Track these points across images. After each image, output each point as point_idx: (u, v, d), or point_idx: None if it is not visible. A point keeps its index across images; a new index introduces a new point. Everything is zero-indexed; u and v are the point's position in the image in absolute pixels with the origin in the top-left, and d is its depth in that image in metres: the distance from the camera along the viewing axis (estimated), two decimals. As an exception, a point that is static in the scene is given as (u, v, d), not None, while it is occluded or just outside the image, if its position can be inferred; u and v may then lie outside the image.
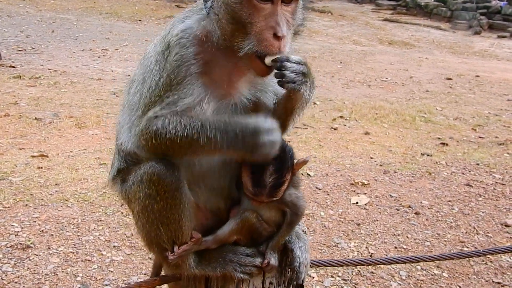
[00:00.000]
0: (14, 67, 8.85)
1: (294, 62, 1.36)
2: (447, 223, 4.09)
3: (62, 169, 4.54)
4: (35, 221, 3.56)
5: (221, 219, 1.51)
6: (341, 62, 11.97)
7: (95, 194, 4.09)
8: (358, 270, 3.31)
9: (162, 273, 1.77)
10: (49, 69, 8.96)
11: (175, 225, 1.41)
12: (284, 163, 1.40)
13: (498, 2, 18.65)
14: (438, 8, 18.84)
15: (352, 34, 15.65)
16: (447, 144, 6.46)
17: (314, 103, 8.24)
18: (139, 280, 1.79)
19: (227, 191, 1.51)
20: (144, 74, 1.47)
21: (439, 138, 6.77)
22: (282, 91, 1.50)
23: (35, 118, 6.00)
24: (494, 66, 12.77)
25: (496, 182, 5.04)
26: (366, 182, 4.80)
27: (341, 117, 7.48)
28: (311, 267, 1.52)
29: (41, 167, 4.51)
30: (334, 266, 1.79)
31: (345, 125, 7.11)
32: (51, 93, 7.31)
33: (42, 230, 3.46)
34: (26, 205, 3.80)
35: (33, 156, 4.78)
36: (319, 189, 4.63)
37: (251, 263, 1.44)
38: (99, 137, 5.75)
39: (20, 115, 6.08)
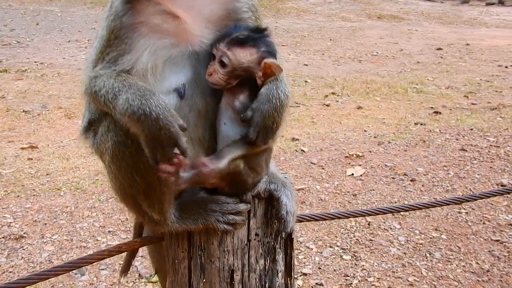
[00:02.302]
0: (-1, 61, 8.71)
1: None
2: (443, 188, 4.09)
3: (53, 159, 4.48)
4: (27, 212, 3.52)
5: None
6: (330, 40, 11.86)
7: (87, 181, 4.04)
8: (357, 239, 3.32)
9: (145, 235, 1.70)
10: (35, 62, 8.81)
11: (151, 172, 1.28)
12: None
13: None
14: (425, -21, 18.62)
15: (341, 11, 15.48)
16: (440, 113, 6.45)
17: (305, 81, 8.20)
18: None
19: (207, 143, 1.41)
20: (96, 32, 1.42)
21: (431, 107, 6.75)
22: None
23: (23, 111, 5.92)
24: (483, 33, 12.71)
25: (490, 145, 5.04)
26: (360, 154, 4.78)
27: (333, 93, 7.44)
28: (296, 222, 1.47)
29: (32, 158, 4.45)
30: (318, 220, 1.75)
31: (337, 101, 7.07)
32: (38, 86, 7.20)
33: (35, 220, 3.42)
34: (18, 196, 3.75)
35: (22, 148, 4.71)
36: (314, 163, 4.61)
37: (234, 210, 1.36)
38: (89, 126, 5.67)
39: (7, 109, 5.99)
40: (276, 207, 1.40)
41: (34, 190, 3.87)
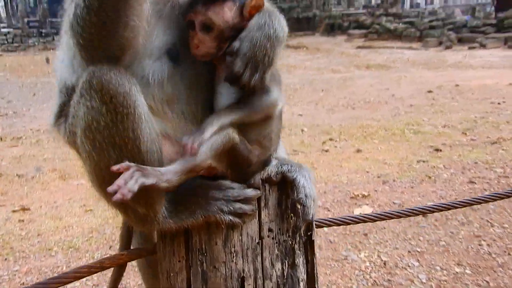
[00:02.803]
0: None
1: None
2: (458, 221, 3.88)
3: (45, 220, 4.27)
4: (15, 275, 3.26)
5: None
6: (322, 90, 12.08)
7: (81, 239, 3.81)
8: (374, 280, 3.05)
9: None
10: (31, 129, 8.80)
11: (132, 147, 1.04)
12: None
13: (463, 16, 19.44)
14: (407, 30, 19.51)
15: (329, 64, 15.98)
16: (440, 150, 6.38)
17: (302, 130, 8.19)
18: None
19: (201, 117, 1.17)
20: None
21: (431, 146, 6.69)
22: None
23: (17, 175, 5.78)
24: (470, 74, 13.03)
25: (499, 176, 4.90)
26: (366, 194, 4.61)
27: (330, 139, 7.40)
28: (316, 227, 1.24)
29: (23, 220, 4.24)
30: (340, 224, 1.52)
31: (335, 146, 7.02)
32: (33, 151, 7.12)
33: (23, 283, 3.15)
34: (6, 259, 3.50)
35: (14, 211, 4.51)
36: (319, 206, 4.42)
37: (241, 196, 1.11)
38: (84, 186, 5.51)
39: (0, 174, 5.85)
40: (294, 189, 1.16)
41: (23, 252, 3.62)
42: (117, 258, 1.21)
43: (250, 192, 1.16)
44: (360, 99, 10.75)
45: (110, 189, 0.97)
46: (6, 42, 23.22)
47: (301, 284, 1.17)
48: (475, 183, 4.74)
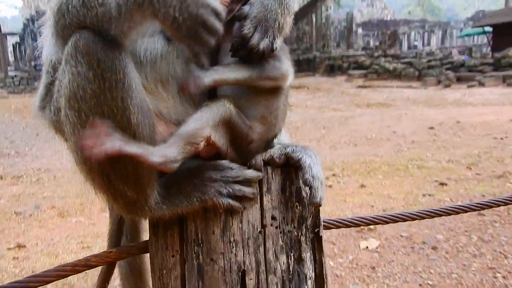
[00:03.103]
0: (-6, 167, 8.69)
1: None
2: (470, 253, 3.73)
3: (40, 257, 4.12)
4: (6, 313, 3.08)
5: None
6: (324, 128, 12.13)
7: (76, 276, 3.65)
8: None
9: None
10: (32, 168, 8.78)
11: (121, 117, 0.94)
12: None
13: (460, 56, 19.87)
14: (406, 70, 19.90)
15: (330, 103, 16.17)
16: (446, 184, 6.28)
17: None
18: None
19: (198, 97, 1.08)
20: None
21: (436, 180, 6.60)
22: None
23: (15, 212, 5.68)
24: (471, 111, 13.11)
25: (509, 208, 4.76)
26: (372, 227, 4.47)
27: (333, 175, 7.32)
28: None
29: (17, 257, 4.10)
30: (349, 226, 1.41)
31: (339, 182, 6.93)
32: (33, 189, 7.05)
33: (15, 321, 2.97)
34: (-3, 297, 3.33)
35: (9, 249, 4.37)
36: (324, 240, 4.27)
37: (241, 177, 1.01)
38: (83, 223, 5.39)
39: (-2, 212, 5.75)
40: (297, 179, 1.05)
41: (16, 289, 3.46)
42: (105, 256, 1.09)
43: (251, 173, 1.06)
44: (362, 136, 10.75)
45: (84, 143, 0.88)
46: (13, 84, 23.79)
47: (309, 282, 1.05)
48: (485, 215, 4.61)
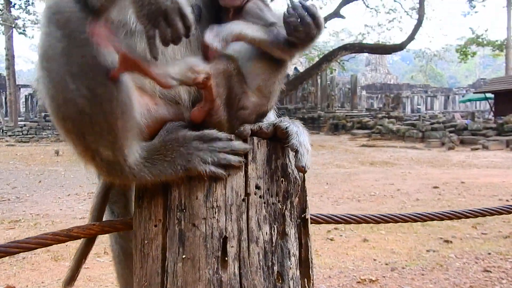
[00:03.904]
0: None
1: None
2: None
3: (28, 298, 3.97)
4: None
5: (181, 114, 1.08)
6: (327, 184, 12.07)
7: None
8: None
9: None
10: (31, 214, 8.71)
11: (93, 76, 0.92)
12: None
13: (463, 120, 20.15)
14: (409, 131, 20.13)
15: (334, 160, 16.21)
16: (451, 242, 6.13)
17: (306, 221, 8.01)
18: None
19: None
20: None
21: (441, 237, 6.44)
22: None
23: (10, 256, 5.55)
24: (476, 173, 13.05)
25: (515, 265, 4.59)
26: (374, 279, 4.30)
27: (335, 228, 7.18)
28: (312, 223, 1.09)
29: (4, 298, 3.95)
30: (339, 222, 1.35)
31: (341, 236, 6.78)
32: (29, 233, 6.94)
33: None
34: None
35: (-3, 289, 4.24)
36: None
37: (227, 148, 1.01)
38: (76, 267, 5.25)
39: (-10, 253, 5.62)
40: (283, 156, 1.07)
41: (-3, 330, 3.29)
42: (87, 228, 1.06)
43: (238, 144, 1.06)
44: (365, 192, 10.66)
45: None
46: (21, 134, 24.27)
47: (293, 259, 1.03)
48: (491, 271, 4.43)
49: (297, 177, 1.09)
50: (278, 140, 1.10)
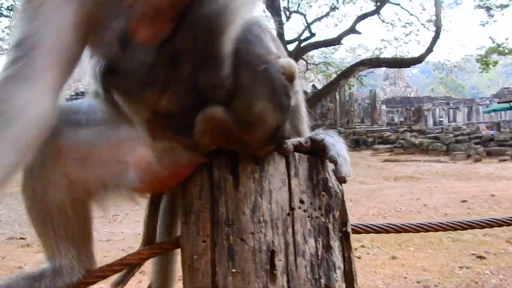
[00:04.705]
0: (23, 238, 8.80)
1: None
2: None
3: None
4: None
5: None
6: (351, 200, 11.89)
7: None
8: None
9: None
10: (58, 237, 8.90)
11: None
12: None
13: (488, 131, 19.67)
14: (433, 144, 19.75)
15: (357, 176, 15.99)
16: (484, 258, 5.91)
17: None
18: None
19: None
20: None
21: (473, 253, 6.23)
22: None
23: (37, 278, 5.66)
24: (505, 185, 12.65)
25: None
26: (405, 304, 4.18)
27: (362, 246, 7.05)
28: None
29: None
30: (378, 232, 1.33)
31: (368, 253, 6.64)
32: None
33: None
34: None
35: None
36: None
37: None
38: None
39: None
40: (323, 169, 1.09)
41: None
42: (138, 254, 1.14)
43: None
44: (391, 208, 10.45)
45: None
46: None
47: (338, 272, 1.04)
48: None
49: (337, 190, 1.11)
50: (317, 154, 1.11)
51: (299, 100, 1.21)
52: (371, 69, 20.69)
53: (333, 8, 20.37)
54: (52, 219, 1.13)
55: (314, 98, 19.19)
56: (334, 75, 20.65)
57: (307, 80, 33.64)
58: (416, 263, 5.87)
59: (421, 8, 20.65)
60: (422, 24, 20.31)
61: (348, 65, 20.62)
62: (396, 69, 50.08)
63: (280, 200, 1.04)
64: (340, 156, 1.11)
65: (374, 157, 20.44)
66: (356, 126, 28.60)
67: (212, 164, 1.00)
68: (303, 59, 20.76)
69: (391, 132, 24.87)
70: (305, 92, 27.43)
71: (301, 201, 1.07)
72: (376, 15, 19.18)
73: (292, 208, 1.05)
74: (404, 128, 25.05)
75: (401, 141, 21.44)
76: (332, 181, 1.12)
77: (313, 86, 32.16)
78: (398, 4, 19.32)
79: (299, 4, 19.79)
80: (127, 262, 1.15)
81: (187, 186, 1.02)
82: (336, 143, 1.13)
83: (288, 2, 19.38)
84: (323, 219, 1.08)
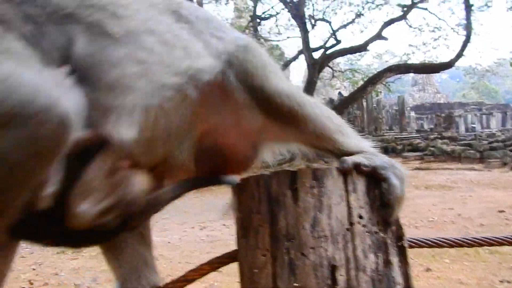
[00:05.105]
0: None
1: None
2: None
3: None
4: None
5: None
6: (381, 209, 11.70)
7: None
8: None
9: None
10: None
11: None
12: None
13: (524, 137, 18.89)
14: (465, 152, 19.15)
15: (386, 185, 15.71)
16: (526, 271, 5.66)
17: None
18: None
19: None
20: None
21: (513, 267, 5.98)
22: None
23: (74, 284, 5.84)
24: (546, 194, 12.12)
25: None
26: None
27: (394, 257, 6.91)
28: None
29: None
30: (433, 246, 1.31)
31: (401, 264, 6.50)
32: (91, 263, 7.24)
33: None
34: None
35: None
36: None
37: None
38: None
39: (59, 283, 5.95)
40: (380, 187, 1.10)
41: None
42: (200, 269, 1.19)
43: None
44: (423, 218, 10.18)
45: None
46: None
47: None
48: None
49: (392, 203, 1.10)
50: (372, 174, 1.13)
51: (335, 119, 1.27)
52: (399, 75, 20.34)
53: (359, 15, 20.21)
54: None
55: (341, 106, 18.99)
56: (361, 82, 20.41)
57: (333, 88, 33.36)
58: (452, 275, 5.69)
59: (450, 12, 20.21)
60: (451, 28, 19.85)
61: (375, 72, 20.35)
62: (424, 75, 49.01)
63: (339, 215, 1.05)
64: (399, 201, 1.14)
65: (404, 165, 19.82)
66: (385, 134, 28.09)
67: (269, 178, 1.02)
68: (329, 66, 20.64)
69: (421, 140, 24.29)
70: (332, 100, 27.21)
71: (360, 216, 1.08)
72: (403, 20, 18.89)
73: (351, 223, 1.06)
74: (435, 135, 24.42)
75: (432, 148, 20.90)
76: (389, 195, 1.11)
77: (339, 93, 31.87)
78: (425, 9, 18.97)
79: (324, 12, 19.74)
80: (190, 278, 1.18)
81: (244, 200, 1.04)
82: (399, 185, 1.16)
83: (313, 10, 19.37)
84: (382, 234, 1.09)
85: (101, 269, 6.72)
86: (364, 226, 1.07)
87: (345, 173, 1.09)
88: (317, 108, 1.25)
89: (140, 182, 1.13)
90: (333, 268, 1.01)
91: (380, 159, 1.18)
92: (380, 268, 1.05)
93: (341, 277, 1.00)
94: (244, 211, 1.05)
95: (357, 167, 1.12)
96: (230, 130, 1.27)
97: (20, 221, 1.03)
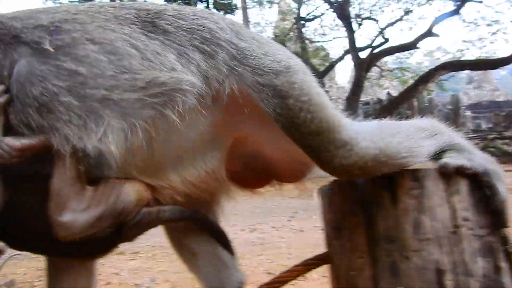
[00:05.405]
0: (118, 247, 9.54)
1: None
2: None
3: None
4: None
5: None
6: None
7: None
8: None
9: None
10: (147, 245, 9.42)
11: None
12: None
13: None
14: (529, 152, 17.88)
15: (442, 187, 15.01)
16: None
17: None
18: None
19: None
20: None
21: None
22: None
23: (135, 284, 6.08)
24: None
25: None
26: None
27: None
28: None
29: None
30: None
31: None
32: (148, 264, 7.51)
33: None
34: None
35: (130, 317, 4.60)
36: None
37: None
38: (192, 298, 5.51)
39: (120, 283, 6.22)
40: (488, 194, 1.05)
41: None
42: (294, 270, 1.19)
43: None
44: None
45: None
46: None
47: None
48: None
49: (500, 208, 1.04)
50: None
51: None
52: (452, 73, 19.40)
53: (407, 12, 19.51)
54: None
55: (391, 106, 18.41)
56: (411, 81, 19.70)
57: (382, 88, 32.42)
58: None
59: (509, 4, 19.00)
60: (511, 21, 18.65)
61: (426, 70, 19.54)
62: (481, 72, 46.42)
63: (442, 218, 1.01)
64: (504, 203, 1.09)
65: (460, 167, 19.01)
66: (438, 134, 26.80)
67: (361, 180, 0.99)
68: (377, 65, 20.09)
69: (479, 140, 22.95)
70: (380, 100, 26.48)
71: (465, 219, 1.03)
72: (456, 15, 18.00)
73: (456, 226, 1.02)
74: (494, 135, 23.02)
75: (491, 149, 19.68)
76: (495, 198, 1.05)
77: (388, 93, 30.92)
78: (481, 2, 17.97)
79: (370, 10, 19.25)
80: (284, 279, 1.18)
81: (335, 202, 1.02)
82: (504, 190, 1.10)
83: (359, 9, 18.96)
84: (490, 238, 1.03)
85: (158, 270, 6.94)
86: (470, 229, 1.02)
87: (446, 175, 1.05)
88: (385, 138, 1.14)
89: (133, 192, 1.14)
90: (439, 272, 0.97)
91: (478, 158, 1.11)
92: (490, 273, 1.00)
93: (449, 281, 0.97)
94: (335, 213, 1.03)
95: (460, 171, 1.08)
96: (272, 144, 1.23)
97: (19, 234, 1.09)
